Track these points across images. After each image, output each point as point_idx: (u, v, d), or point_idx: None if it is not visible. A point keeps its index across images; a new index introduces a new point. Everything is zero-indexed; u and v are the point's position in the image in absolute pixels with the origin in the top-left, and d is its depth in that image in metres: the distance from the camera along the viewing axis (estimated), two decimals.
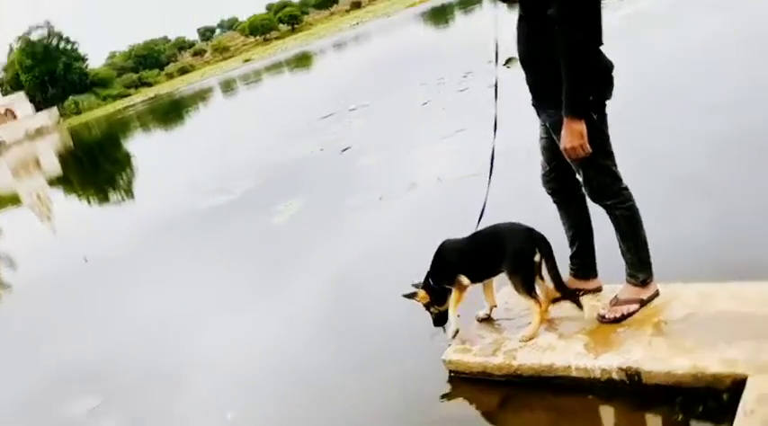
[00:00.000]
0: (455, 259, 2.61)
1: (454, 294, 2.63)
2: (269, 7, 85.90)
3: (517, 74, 2.51)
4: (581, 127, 2.25)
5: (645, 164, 4.10)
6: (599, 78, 2.31)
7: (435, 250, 2.65)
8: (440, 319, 2.71)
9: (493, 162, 2.66)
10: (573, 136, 2.26)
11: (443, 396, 2.51)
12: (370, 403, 2.67)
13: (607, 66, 2.35)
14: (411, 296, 2.70)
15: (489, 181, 2.67)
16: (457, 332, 2.65)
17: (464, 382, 2.53)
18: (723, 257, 2.87)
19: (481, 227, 2.62)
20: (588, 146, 2.27)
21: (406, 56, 18.54)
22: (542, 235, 2.49)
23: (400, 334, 3.08)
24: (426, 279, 2.66)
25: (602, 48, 2.27)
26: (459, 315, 2.67)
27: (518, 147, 3.86)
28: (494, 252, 2.52)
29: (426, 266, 2.67)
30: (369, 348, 3.12)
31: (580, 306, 2.57)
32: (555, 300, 2.64)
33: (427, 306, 2.70)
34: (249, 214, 6.66)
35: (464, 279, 2.62)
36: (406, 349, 2.94)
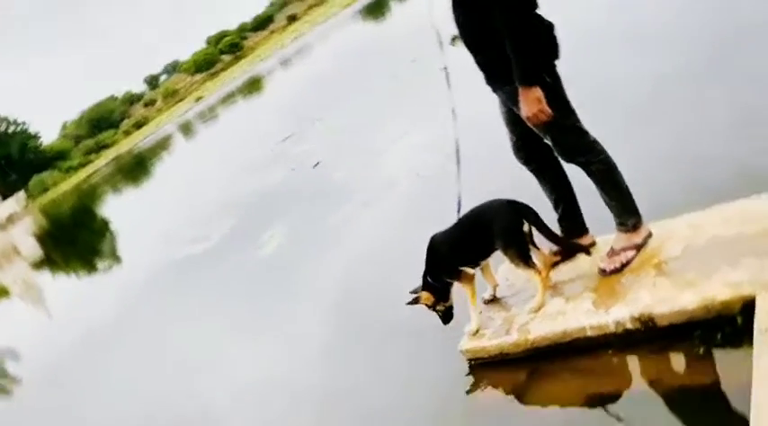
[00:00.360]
0: (447, 251, 2.58)
1: (466, 288, 2.60)
2: (208, 41, 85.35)
3: (465, 52, 2.51)
4: (536, 93, 2.26)
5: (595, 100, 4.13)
6: (543, 42, 2.32)
7: (426, 247, 2.61)
8: (447, 316, 2.67)
9: (459, 152, 2.65)
10: (531, 103, 2.27)
11: (471, 387, 2.50)
12: (401, 410, 2.65)
13: (549, 28, 2.35)
14: (415, 301, 2.65)
15: (459, 170, 2.67)
16: (478, 329, 2.59)
17: (486, 368, 2.52)
18: (691, 181, 2.90)
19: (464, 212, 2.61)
20: (548, 109, 2.28)
21: (352, 57, 18.51)
22: (525, 204, 2.49)
23: (413, 336, 3.06)
24: (424, 278, 2.62)
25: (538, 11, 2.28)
26: (480, 312, 2.64)
27: (484, 124, 3.87)
28: (483, 234, 2.51)
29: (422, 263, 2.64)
30: (386, 356, 3.11)
31: (588, 252, 2.59)
32: (554, 264, 2.65)
33: (432, 306, 2.64)
34: (235, 254, 6.58)
35: (469, 270, 2.60)
36: (421, 349, 2.93)
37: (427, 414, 2.53)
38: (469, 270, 2.60)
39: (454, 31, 2.48)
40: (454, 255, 2.59)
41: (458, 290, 2.67)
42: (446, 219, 2.65)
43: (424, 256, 2.61)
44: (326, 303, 4.09)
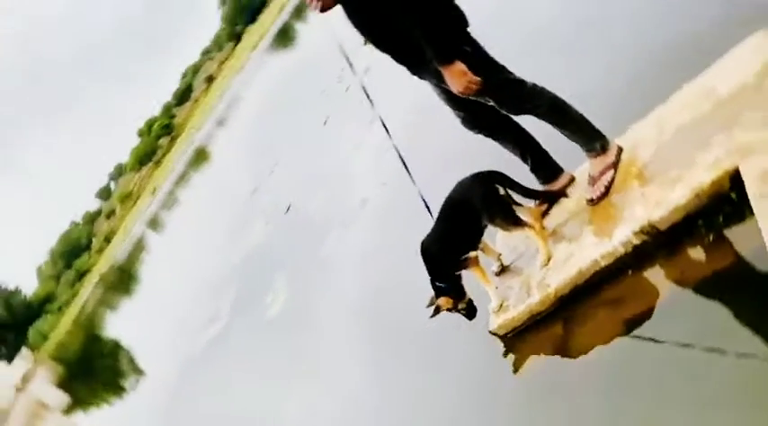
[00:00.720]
0: (442, 249, 2.54)
1: (475, 272, 2.58)
2: (140, 133, 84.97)
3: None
4: (458, 67, 2.27)
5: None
6: (450, 16, 2.33)
7: (420, 255, 2.57)
8: (471, 310, 2.61)
9: (404, 161, 2.66)
10: (457, 78, 2.28)
11: (514, 364, 2.48)
12: (461, 407, 2.64)
13: (448, 3, 2.36)
14: (437, 311, 2.58)
15: (409, 173, 2.67)
16: (502, 303, 2.58)
17: (520, 338, 2.51)
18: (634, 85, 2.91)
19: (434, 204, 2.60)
20: (475, 77, 2.29)
21: (280, 93, 18.50)
22: (490, 171, 2.49)
23: (441, 340, 3.00)
24: (433, 285, 2.57)
25: None
26: (497, 287, 2.63)
27: (428, 111, 3.88)
28: (466, 216, 2.50)
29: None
30: (426, 367, 3.07)
31: (566, 194, 2.62)
32: (544, 214, 2.66)
33: (454, 307, 2.58)
34: (248, 323, 6.53)
35: (471, 254, 2.57)
36: (453, 350, 2.89)
37: (488, 406, 2.50)
38: (472, 254, 2.58)
39: (359, 37, 2.49)
40: (451, 250, 2.55)
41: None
42: (424, 217, 2.65)
43: (424, 265, 2.55)
44: (351, 333, 4.07)
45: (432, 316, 2.60)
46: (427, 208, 2.60)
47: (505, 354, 2.53)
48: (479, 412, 2.51)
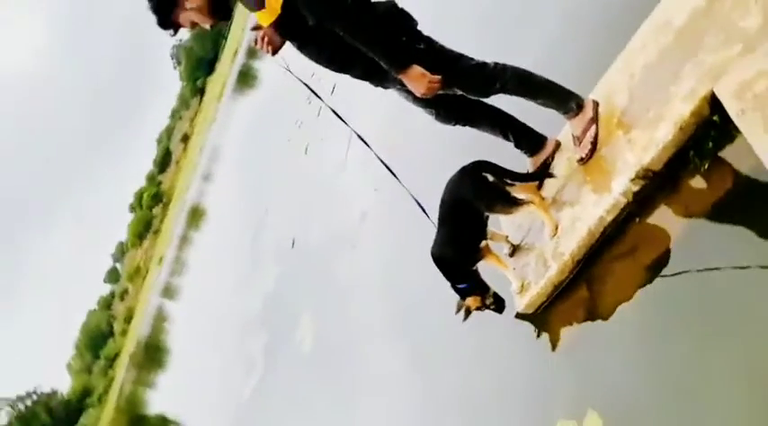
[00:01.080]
0: (455, 251, 2.52)
1: (490, 260, 2.56)
2: (132, 208, 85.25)
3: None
4: (416, 71, 2.28)
5: None
6: (395, 21, 2.34)
7: (434, 264, 2.53)
8: (499, 302, 2.56)
9: (389, 167, 2.67)
10: (417, 82, 2.30)
11: (551, 342, 2.46)
12: (510, 408, 2.63)
13: (390, 9, 2.37)
14: (468, 313, 2.54)
15: (399, 180, 2.68)
16: (522, 283, 2.56)
17: (547, 314, 2.51)
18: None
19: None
20: (435, 77, 2.31)
21: (256, 132, 18.57)
22: (473, 163, 2.48)
23: (480, 338, 2.96)
24: (456, 289, 2.53)
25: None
26: (514, 268, 2.62)
27: (401, 115, 3.90)
28: (465, 213, 2.48)
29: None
30: (468, 366, 3.06)
31: (551, 174, 2.62)
32: (539, 186, 2.66)
33: (483, 304, 2.53)
34: (286, 364, 6.51)
35: (483, 243, 2.55)
36: (499, 344, 2.85)
37: (539, 392, 2.48)
38: (483, 243, 2.56)
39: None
40: (462, 249, 2.52)
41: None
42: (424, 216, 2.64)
43: (439, 272, 2.53)
44: (387, 350, 4.06)
45: (464, 320, 2.55)
46: (421, 208, 2.60)
47: (538, 334, 2.52)
48: (530, 409, 2.50)
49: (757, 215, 1.90)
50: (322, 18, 2.24)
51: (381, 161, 2.65)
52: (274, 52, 2.43)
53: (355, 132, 2.69)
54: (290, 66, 2.69)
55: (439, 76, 2.31)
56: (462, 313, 2.54)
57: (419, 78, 2.29)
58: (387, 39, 2.28)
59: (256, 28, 2.46)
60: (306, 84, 2.68)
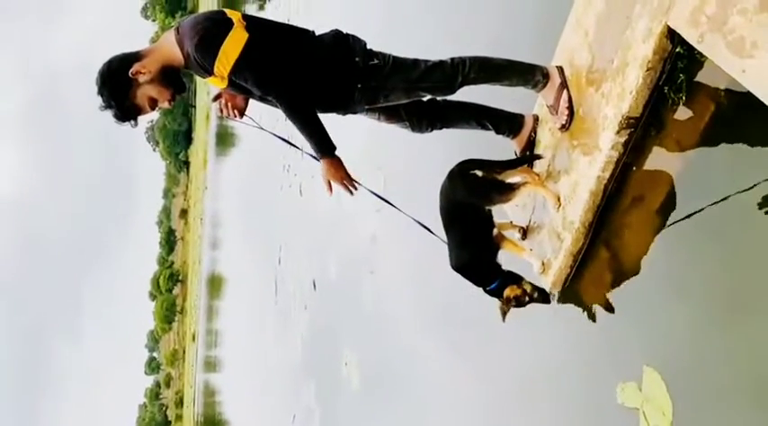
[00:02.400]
0: (472, 255, 2.48)
1: (507, 247, 2.52)
2: (152, 295, 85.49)
3: None
4: (332, 165, 2.39)
5: None
6: (344, 48, 2.36)
7: (458, 274, 2.49)
8: (541, 291, 2.41)
9: (376, 193, 2.67)
10: (336, 172, 2.39)
11: (587, 312, 2.43)
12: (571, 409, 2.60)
13: (336, 37, 2.38)
14: (507, 307, 2.41)
15: (391, 204, 2.68)
16: (543, 262, 2.52)
17: (577, 285, 2.48)
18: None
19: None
20: (349, 177, 2.42)
21: (248, 185, 18.67)
22: (458, 164, 2.48)
23: (531, 335, 2.92)
24: (488, 292, 2.45)
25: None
26: (531, 249, 2.59)
27: (379, 144, 3.91)
28: (467, 215, 2.47)
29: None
30: (522, 361, 3.03)
31: (537, 156, 2.63)
32: (530, 165, 2.65)
33: (524, 294, 2.38)
34: (340, 404, 6.46)
35: (494, 231, 2.51)
36: (536, 329, 2.82)
37: (590, 362, 2.47)
38: (495, 231, 2.53)
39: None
40: (478, 247, 2.48)
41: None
42: (435, 227, 2.62)
43: (467, 280, 2.48)
44: (435, 367, 4.02)
45: (505, 318, 2.43)
46: (426, 229, 2.60)
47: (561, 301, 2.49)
48: (587, 381, 2.47)
49: (750, 131, 1.88)
50: (269, 88, 2.29)
51: (375, 194, 2.65)
52: (241, 114, 2.45)
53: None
54: (260, 120, 2.69)
55: (352, 181, 2.41)
56: (503, 310, 2.43)
57: (339, 169, 2.38)
58: (316, 129, 2.33)
59: (217, 97, 2.48)
60: (282, 138, 2.69)
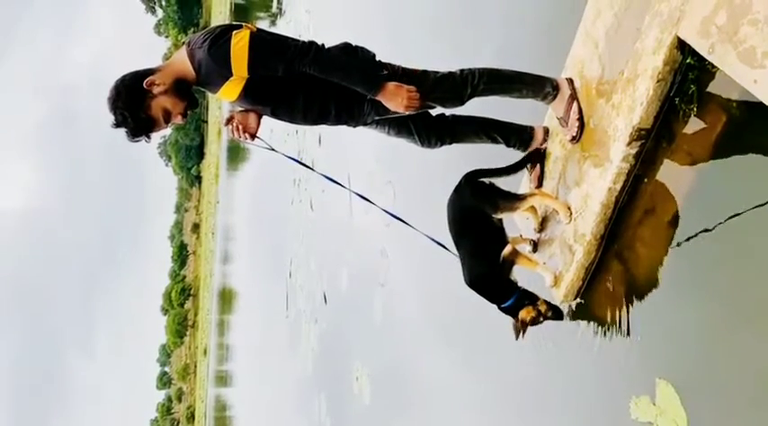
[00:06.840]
0: (481, 264, 2.45)
1: (521, 261, 2.49)
2: (163, 309, 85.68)
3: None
4: (392, 87, 2.30)
5: None
6: (351, 53, 2.37)
7: (473, 290, 2.45)
8: (554, 309, 2.37)
9: (386, 210, 2.67)
10: (398, 98, 2.31)
11: (601, 326, 2.41)
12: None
13: (345, 49, 2.40)
14: (522, 329, 2.37)
15: (401, 220, 2.68)
16: (555, 275, 2.49)
17: (590, 299, 2.46)
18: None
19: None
20: (412, 87, 2.32)
21: (258, 199, 18.74)
22: (464, 176, 2.48)
23: (534, 345, 2.82)
24: (503, 310, 2.40)
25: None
26: (544, 263, 2.56)
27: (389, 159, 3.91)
28: (476, 223, 2.46)
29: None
30: (535, 378, 2.99)
31: (538, 151, 2.64)
32: (540, 174, 2.65)
33: (539, 313, 2.34)
34: (348, 422, 6.43)
35: (508, 248, 2.46)
36: (549, 345, 2.77)
37: (602, 377, 2.43)
38: (507, 250, 2.48)
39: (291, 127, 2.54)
40: (489, 257, 2.44)
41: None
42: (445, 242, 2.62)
43: (482, 297, 2.44)
44: (447, 379, 4.00)
45: (520, 338, 2.38)
46: (438, 243, 2.59)
47: (577, 313, 2.46)
48: (599, 396, 2.44)
49: (759, 138, 1.87)
50: (291, 59, 2.24)
51: (386, 211, 2.65)
52: (252, 136, 2.46)
53: (354, 191, 2.73)
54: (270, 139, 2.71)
55: (415, 88, 2.33)
56: (518, 331, 2.36)
57: (397, 92, 2.30)
58: (358, 63, 2.30)
59: (228, 121, 2.49)
60: (292, 158, 2.71)
